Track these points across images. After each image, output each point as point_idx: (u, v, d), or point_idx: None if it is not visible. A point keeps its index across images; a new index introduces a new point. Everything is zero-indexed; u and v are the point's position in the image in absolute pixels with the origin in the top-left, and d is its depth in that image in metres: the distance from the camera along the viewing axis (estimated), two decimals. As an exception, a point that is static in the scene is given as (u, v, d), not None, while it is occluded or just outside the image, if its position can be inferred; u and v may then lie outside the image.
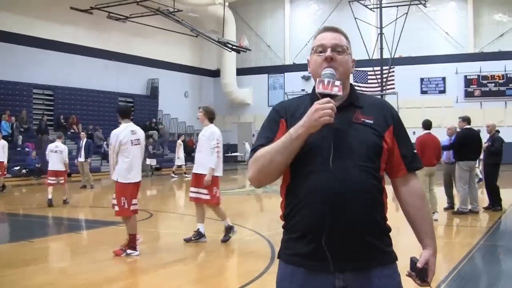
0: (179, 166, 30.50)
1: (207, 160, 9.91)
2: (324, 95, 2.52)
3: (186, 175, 28.92)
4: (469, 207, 13.78)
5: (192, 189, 10.16)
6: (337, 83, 2.54)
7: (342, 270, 2.57)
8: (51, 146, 17.10)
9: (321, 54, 2.74)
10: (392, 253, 2.73)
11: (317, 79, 2.59)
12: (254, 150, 2.71)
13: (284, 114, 2.78)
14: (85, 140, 22.49)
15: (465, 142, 13.69)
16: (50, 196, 16.10)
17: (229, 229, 10.22)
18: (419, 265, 2.72)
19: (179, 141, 31.17)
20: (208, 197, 9.97)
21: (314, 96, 2.62)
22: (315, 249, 2.56)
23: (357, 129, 2.66)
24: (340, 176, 2.53)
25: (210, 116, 10.20)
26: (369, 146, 2.63)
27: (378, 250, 2.64)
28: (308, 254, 2.61)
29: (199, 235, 10.09)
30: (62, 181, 16.80)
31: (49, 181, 16.65)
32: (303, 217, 2.62)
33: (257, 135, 2.84)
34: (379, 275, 2.63)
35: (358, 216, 2.55)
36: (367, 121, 2.69)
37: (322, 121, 2.45)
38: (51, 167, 16.71)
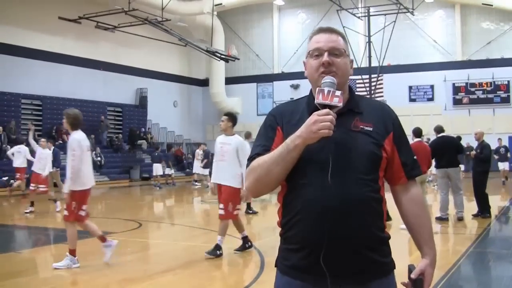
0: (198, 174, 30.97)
1: None
2: (323, 106, 2.45)
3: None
4: (446, 214, 13.81)
5: None
6: (338, 93, 2.45)
7: (339, 284, 2.53)
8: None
9: (317, 58, 2.65)
10: (390, 263, 2.69)
11: (317, 89, 2.50)
12: (250, 159, 2.65)
13: (281, 120, 2.70)
14: (52, 148, 21.81)
15: (436, 150, 13.78)
16: None
17: None
18: (413, 276, 2.65)
19: (198, 150, 31.56)
20: None
21: (311, 102, 2.55)
22: (312, 263, 2.52)
23: (356, 138, 2.59)
24: (338, 190, 2.48)
25: None
26: (368, 157, 2.58)
27: (377, 263, 2.60)
28: (305, 268, 2.56)
29: None
30: None
31: None
32: (300, 230, 2.56)
33: (254, 142, 2.77)
34: (377, 287, 2.60)
35: (357, 231, 2.51)
36: (366, 128, 2.62)
37: (320, 133, 2.39)
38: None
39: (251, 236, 11.35)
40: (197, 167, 30.38)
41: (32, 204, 16.92)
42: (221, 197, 9.71)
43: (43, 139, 18.92)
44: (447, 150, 13.82)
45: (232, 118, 9.82)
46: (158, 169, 29.83)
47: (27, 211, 16.75)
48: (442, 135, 14.15)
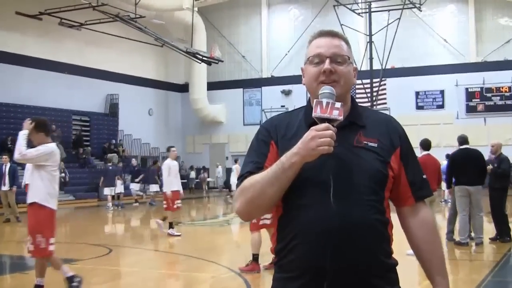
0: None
1: None
2: (322, 119, 2.43)
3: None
4: (466, 237, 13.72)
5: None
6: (338, 105, 2.45)
7: None
8: None
9: (317, 66, 2.65)
10: None
11: (315, 101, 2.50)
12: (241, 177, 2.64)
13: (275, 134, 2.71)
14: (8, 165, 21.39)
15: (455, 165, 13.73)
16: None
17: None
18: None
19: (237, 166, 31.99)
20: None
21: (309, 114, 2.53)
22: None
23: (359, 155, 2.59)
24: (340, 212, 2.47)
25: None
26: (373, 176, 2.58)
27: None
28: None
29: None
30: None
31: None
32: (299, 257, 2.56)
33: (245, 158, 2.77)
34: None
35: (362, 257, 2.51)
36: (370, 144, 2.63)
37: (320, 150, 2.37)
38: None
39: (236, 264, 11.30)
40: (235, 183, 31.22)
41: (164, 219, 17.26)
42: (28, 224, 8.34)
43: (174, 148, 18.09)
44: (470, 165, 13.68)
45: (40, 127, 8.24)
46: (118, 186, 29.46)
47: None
48: (465, 147, 14.00)
